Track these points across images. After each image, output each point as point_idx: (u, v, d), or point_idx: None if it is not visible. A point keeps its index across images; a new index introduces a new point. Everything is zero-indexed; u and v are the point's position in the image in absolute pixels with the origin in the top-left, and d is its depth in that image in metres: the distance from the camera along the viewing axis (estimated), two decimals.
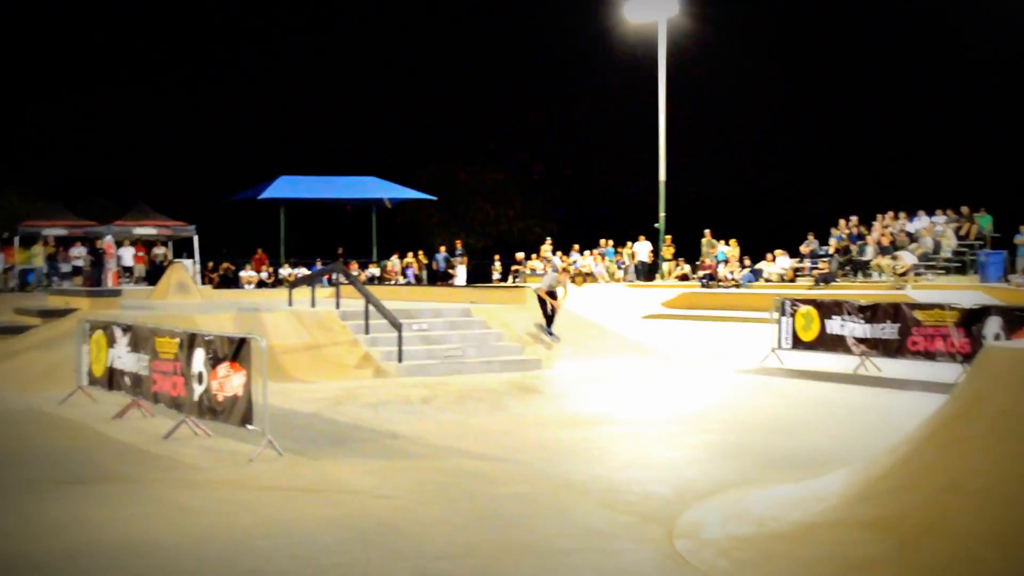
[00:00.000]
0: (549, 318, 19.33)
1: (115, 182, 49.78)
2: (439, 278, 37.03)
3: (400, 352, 17.32)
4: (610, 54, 47.58)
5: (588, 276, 31.89)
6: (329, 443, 11.09)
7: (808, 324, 18.03)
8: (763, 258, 32.29)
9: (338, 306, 19.35)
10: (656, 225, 37.12)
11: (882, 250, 29.05)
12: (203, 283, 33.15)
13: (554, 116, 57.28)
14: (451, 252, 38.22)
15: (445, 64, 57.99)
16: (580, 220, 50.68)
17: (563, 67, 56.68)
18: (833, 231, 31.92)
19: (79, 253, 33.79)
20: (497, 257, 39.18)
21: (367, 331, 18.03)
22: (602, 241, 37.15)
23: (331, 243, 39.55)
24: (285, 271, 36.05)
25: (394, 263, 37.66)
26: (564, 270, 23.34)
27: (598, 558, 6.90)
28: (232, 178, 45.70)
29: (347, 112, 55.97)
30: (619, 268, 36.28)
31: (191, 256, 35.78)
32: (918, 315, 16.47)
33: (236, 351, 10.46)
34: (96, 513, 8.13)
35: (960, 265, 29.52)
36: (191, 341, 11.11)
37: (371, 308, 18.05)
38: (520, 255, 37.54)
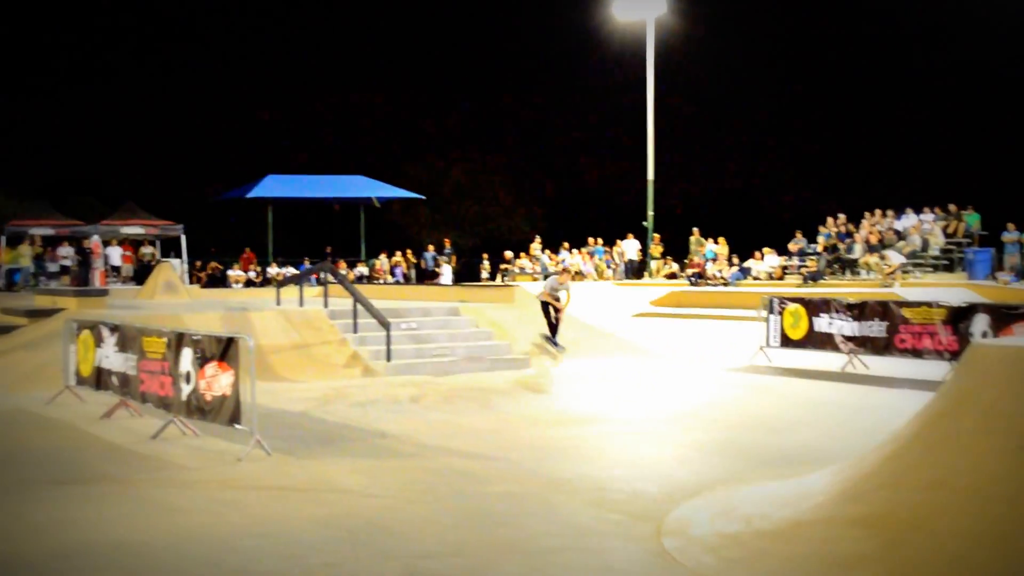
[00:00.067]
0: (553, 327, 18.49)
1: (103, 181, 49.66)
2: (427, 277, 37.01)
3: (389, 351, 17.29)
4: (598, 52, 47.59)
5: (577, 275, 31.91)
6: (317, 442, 11.08)
7: (796, 322, 18.06)
8: (751, 256, 32.38)
9: (326, 305, 19.32)
10: (645, 223, 37.15)
11: (870, 248, 29.16)
12: (191, 282, 33.08)
13: (542, 114, 57.29)
14: (439, 251, 38.20)
15: (432, 62, 57.92)
16: (569, 219, 50.68)
17: (551, 65, 56.66)
18: (821, 229, 32.02)
19: (66, 253, 33.69)
20: (486, 256, 39.17)
21: (355, 330, 18.01)
22: (591, 240, 37.18)
23: (319, 242, 39.50)
24: (273, 270, 35.98)
25: (382, 262, 37.63)
26: (565, 270, 22.18)
27: (587, 556, 6.91)
28: (220, 177, 45.64)
29: (335, 111, 55.86)
30: (608, 267, 36.32)
31: (179, 255, 35.69)
32: (906, 313, 16.51)
33: (224, 350, 10.44)
34: (84, 513, 8.10)
35: (948, 263, 29.65)
36: (179, 340, 11.08)
37: (359, 307, 18.01)
38: (509, 254, 37.54)
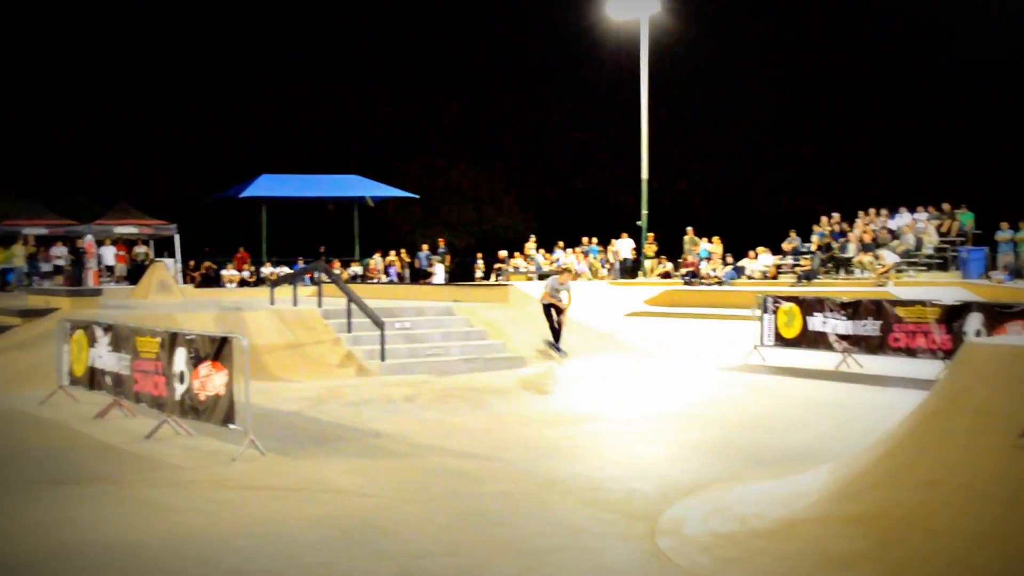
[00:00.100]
0: (556, 332, 18.29)
1: (96, 181, 49.39)
2: (422, 276, 36.97)
3: (383, 351, 17.28)
4: (592, 51, 47.58)
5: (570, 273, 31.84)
6: (312, 442, 11.07)
7: (790, 321, 18.09)
8: (745, 255, 32.37)
9: (320, 305, 19.31)
10: (639, 223, 37.14)
11: (864, 247, 29.18)
12: (184, 282, 33.04)
13: (536, 113, 57.26)
14: (433, 250, 38.17)
15: (426, 62, 57.89)
16: (563, 218, 50.66)
17: (545, 63, 56.63)
18: (815, 228, 32.03)
19: (60, 252, 33.59)
20: (480, 255, 39.14)
21: (349, 330, 18.00)
22: (585, 239, 37.17)
23: (313, 241, 39.44)
24: (267, 270, 35.93)
25: (376, 261, 37.57)
26: (566, 270, 21.55)
27: (581, 556, 6.91)
28: (213, 176, 45.53)
29: (329, 110, 55.81)
30: (602, 266, 36.31)
31: (172, 255, 35.62)
32: (900, 312, 16.54)
33: (218, 350, 10.42)
34: (79, 513, 8.09)
35: (941, 262, 29.67)
36: (172, 340, 11.07)
37: (353, 307, 18.01)
38: (503, 253, 37.51)
